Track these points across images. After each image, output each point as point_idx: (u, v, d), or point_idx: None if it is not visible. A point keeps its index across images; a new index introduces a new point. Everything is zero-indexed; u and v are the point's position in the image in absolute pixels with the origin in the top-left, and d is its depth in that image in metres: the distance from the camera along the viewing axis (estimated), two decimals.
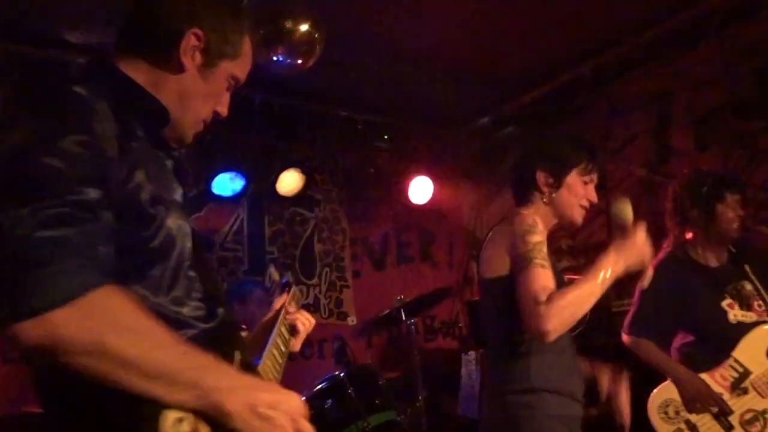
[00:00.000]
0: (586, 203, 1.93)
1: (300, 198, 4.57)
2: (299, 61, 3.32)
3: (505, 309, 1.79)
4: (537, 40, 3.93)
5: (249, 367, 1.21)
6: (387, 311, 3.37)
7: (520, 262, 1.74)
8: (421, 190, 4.86)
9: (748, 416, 2.35)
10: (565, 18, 3.77)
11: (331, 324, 4.55)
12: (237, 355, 1.15)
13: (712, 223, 2.54)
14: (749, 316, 2.45)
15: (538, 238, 1.77)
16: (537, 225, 1.80)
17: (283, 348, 1.57)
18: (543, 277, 1.70)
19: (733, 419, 2.37)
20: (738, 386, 2.38)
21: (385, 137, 4.73)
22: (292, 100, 4.41)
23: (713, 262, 2.59)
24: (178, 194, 1.19)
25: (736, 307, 2.46)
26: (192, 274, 1.13)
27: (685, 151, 4.34)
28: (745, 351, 2.39)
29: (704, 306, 2.48)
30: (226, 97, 1.30)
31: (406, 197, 4.88)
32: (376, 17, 3.61)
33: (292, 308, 1.73)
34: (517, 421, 1.76)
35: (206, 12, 1.19)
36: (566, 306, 1.65)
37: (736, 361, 2.39)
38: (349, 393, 2.95)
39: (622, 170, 4.51)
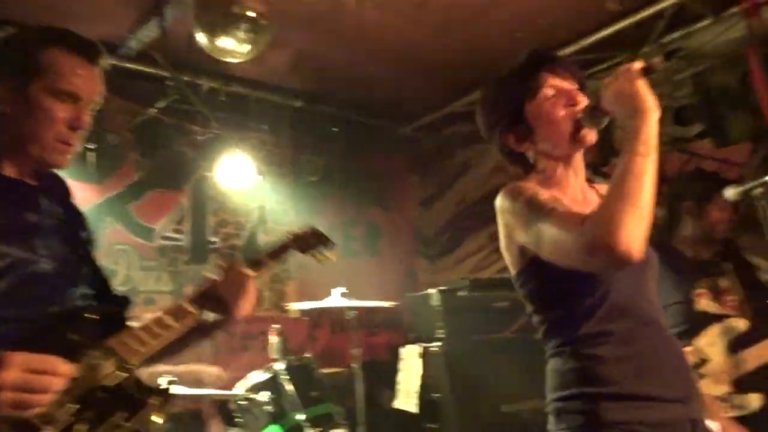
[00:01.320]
0: (573, 108, 1.47)
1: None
2: (247, 48, 3.25)
3: (533, 309, 1.52)
4: (489, 39, 3.96)
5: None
6: (328, 305, 3.35)
7: (526, 230, 1.40)
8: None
9: None
10: (515, 19, 3.82)
11: (273, 316, 4.51)
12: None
13: (700, 221, 2.60)
14: (716, 308, 2.52)
15: (528, 193, 1.43)
16: (518, 186, 1.47)
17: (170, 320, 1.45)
18: (564, 213, 1.34)
19: None
20: (696, 372, 2.45)
21: (334, 129, 4.69)
22: (240, 87, 4.34)
23: (696, 256, 2.66)
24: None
25: (707, 297, 2.53)
26: None
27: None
28: (707, 340, 2.46)
29: (672, 291, 2.54)
30: (72, 109, 1.40)
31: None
32: (337, 7, 3.58)
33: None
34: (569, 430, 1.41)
35: None
36: (621, 202, 1.23)
37: (697, 348, 2.46)
38: (285, 386, 2.92)
39: None
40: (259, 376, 3.02)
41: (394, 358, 4.12)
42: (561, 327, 1.46)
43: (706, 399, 1.70)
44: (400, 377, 3.85)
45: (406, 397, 3.73)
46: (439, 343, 3.68)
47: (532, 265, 1.45)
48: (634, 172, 1.25)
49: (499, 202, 1.49)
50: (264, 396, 2.92)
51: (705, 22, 3.85)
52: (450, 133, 5.32)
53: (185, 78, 4.02)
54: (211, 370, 3.15)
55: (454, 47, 4.13)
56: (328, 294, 3.53)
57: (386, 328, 5.16)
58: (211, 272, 1.60)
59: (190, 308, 1.47)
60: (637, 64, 1.33)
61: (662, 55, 1.37)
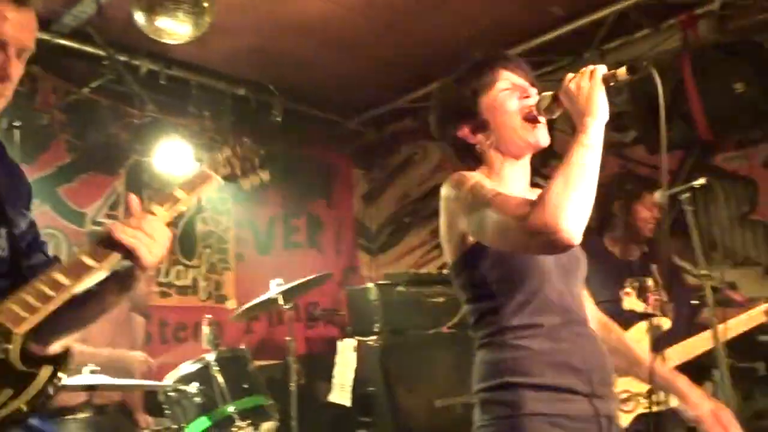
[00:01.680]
0: (527, 108, 1.50)
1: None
2: (188, 30, 3.16)
3: (467, 299, 1.52)
4: (436, 37, 3.98)
5: None
6: (264, 296, 3.30)
7: (470, 216, 1.41)
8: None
9: (623, 396, 2.51)
10: (463, 18, 3.86)
11: (209, 307, 4.43)
12: None
13: (629, 219, 2.67)
14: (641, 307, 2.60)
15: (473, 181, 1.44)
16: (464, 174, 1.48)
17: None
18: (508, 199, 1.36)
19: None
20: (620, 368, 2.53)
21: (278, 119, 4.63)
22: (181, 71, 4.23)
23: (626, 255, 2.73)
24: None
25: (633, 296, 2.61)
26: None
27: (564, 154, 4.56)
28: (633, 338, 2.53)
29: (600, 290, 2.60)
30: None
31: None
32: None
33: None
34: (492, 423, 1.43)
35: None
36: (565, 190, 1.26)
37: None
38: (216, 377, 2.87)
39: None
40: (189, 367, 2.94)
41: (332, 352, 4.10)
42: (492, 317, 1.47)
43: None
44: (336, 371, 3.84)
45: (341, 391, 3.72)
46: (375, 337, 3.68)
47: (470, 254, 1.48)
48: (580, 162, 1.30)
49: (444, 189, 1.50)
50: (193, 387, 2.85)
51: (643, 32, 3.99)
52: (395, 129, 5.34)
53: (122, 58, 3.89)
54: (137, 356, 3.05)
55: (401, 43, 4.14)
56: (266, 285, 3.48)
57: (326, 322, 5.14)
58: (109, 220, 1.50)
59: (88, 261, 1.24)
60: (603, 69, 1.39)
61: (627, 67, 1.38)
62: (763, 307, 2.44)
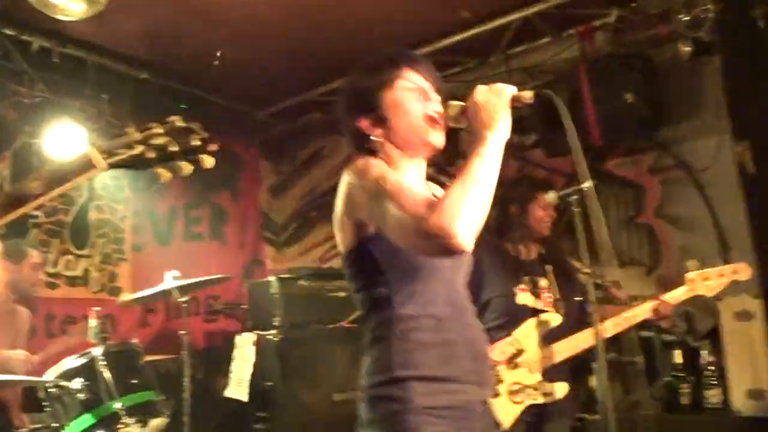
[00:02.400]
0: (431, 111, 1.54)
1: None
2: (82, 6, 2.99)
3: (360, 287, 1.52)
4: (348, 31, 3.97)
5: None
6: (156, 288, 3.18)
7: (371, 206, 1.42)
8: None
9: (514, 387, 2.59)
10: (375, 14, 3.86)
11: (101, 299, 4.21)
12: None
13: (524, 220, 2.76)
14: (534, 303, 2.69)
15: (379, 169, 1.45)
16: (370, 162, 1.49)
17: None
18: (412, 194, 1.38)
19: (502, 388, 2.60)
20: (512, 361, 2.61)
21: (182, 105, 4.47)
22: (77, 50, 4.00)
23: (523, 254, 2.81)
24: None
25: (527, 293, 2.70)
26: None
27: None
28: (525, 332, 2.63)
29: (496, 285, 2.67)
30: None
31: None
32: None
33: None
34: (379, 418, 1.44)
35: None
36: (463, 197, 1.31)
37: (516, 339, 2.62)
38: (102, 372, 2.73)
39: None
40: (73, 361, 2.79)
41: (233, 346, 4.02)
42: (383, 306, 1.49)
43: None
44: (234, 365, 3.76)
45: (238, 386, 3.65)
46: (275, 332, 3.64)
47: (368, 242, 1.48)
48: (477, 173, 1.36)
49: (348, 176, 1.50)
50: (77, 383, 2.71)
51: (546, 40, 4.15)
52: (305, 121, 5.28)
53: (10, 33, 3.63)
54: (17, 354, 2.87)
55: (312, 36, 4.10)
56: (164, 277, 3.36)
57: (226, 316, 5.02)
58: None
59: None
60: (512, 90, 1.47)
61: (533, 92, 1.45)
62: (647, 304, 2.59)
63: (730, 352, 3.09)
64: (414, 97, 1.56)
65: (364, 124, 1.58)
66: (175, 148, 1.36)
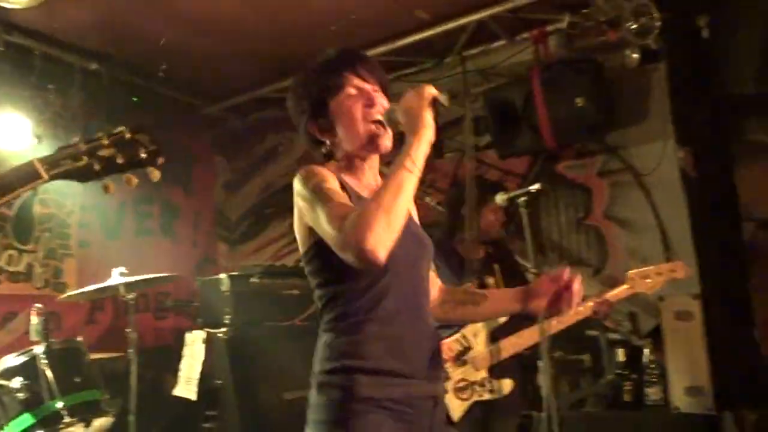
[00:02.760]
0: (373, 115, 1.57)
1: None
2: None
3: (317, 283, 1.57)
4: (305, 28, 3.95)
5: None
6: (100, 284, 3.11)
7: (310, 215, 1.48)
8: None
9: (461, 384, 2.65)
10: (332, 11, 3.86)
11: (45, 296, 4.09)
12: None
13: (475, 222, 2.80)
14: None
15: (316, 179, 1.50)
16: (312, 170, 1.52)
17: None
18: (335, 207, 1.42)
19: (449, 384, 2.64)
20: (459, 358, 2.66)
21: (134, 98, 4.38)
22: (23, 38, 3.88)
23: (470, 255, 2.84)
24: None
25: None
26: None
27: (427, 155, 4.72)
28: (472, 330, 2.67)
29: (447, 284, 2.70)
30: None
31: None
32: None
33: None
34: (324, 404, 1.47)
35: None
36: (377, 210, 1.35)
37: (464, 336, 2.68)
38: (43, 370, 2.66)
39: None
40: (12, 360, 2.71)
41: (182, 344, 3.96)
42: (337, 302, 1.53)
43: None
44: (183, 364, 3.71)
45: (187, 384, 3.60)
46: (225, 329, 3.60)
47: (318, 244, 1.52)
48: (395, 184, 1.39)
49: (295, 183, 1.55)
50: (16, 382, 2.63)
51: (501, 42, 4.21)
52: (260, 118, 5.23)
53: None
54: None
55: (268, 32, 4.07)
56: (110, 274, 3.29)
57: (177, 313, 4.94)
58: None
59: None
60: (430, 90, 1.47)
61: (448, 96, 1.46)
62: (590, 303, 2.65)
63: (670, 350, 3.18)
64: (358, 103, 1.58)
65: (313, 129, 1.62)
66: (121, 161, 1.37)
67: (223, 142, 5.58)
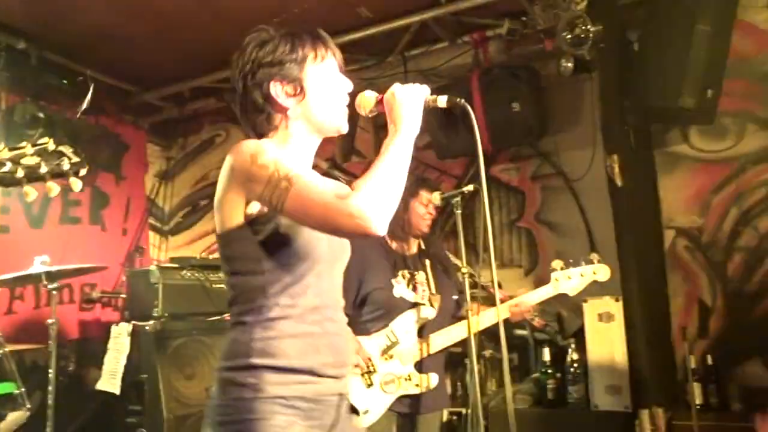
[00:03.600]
0: (344, 97, 1.58)
1: None
2: None
3: (234, 270, 1.50)
4: (246, 19, 3.85)
5: None
6: (20, 274, 2.99)
7: (273, 189, 1.37)
8: None
9: (387, 378, 2.67)
10: (273, 6, 3.80)
11: None
12: None
13: (406, 216, 2.80)
14: (412, 296, 2.75)
15: (271, 155, 1.41)
16: (262, 144, 1.45)
17: None
18: (317, 180, 1.39)
19: (375, 378, 2.66)
20: (387, 352, 2.68)
21: (64, 81, 4.21)
22: None
23: (403, 249, 2.85)
24: None
25: (404, 285, 2.74)
26: None
27: (365, 153, 4.75)
28: (401, 324, 2.69)
29: (376, 278, 2.71)
30: None
31: None
32: None
33: None
34: (229, 404, 1.42)
35: None
36: (379, 180, 1.36)
37: (392, 331, 2.69)
38: None
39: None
40: None
41: (108, 337, 3.84)
42: (255, 295, 1.47)
43: None
44: (107, 357, 3.60)
45: (110, 378, 3.50)
46: (153, 322, 3.51)
47: (250, 225, 1.45)
48: (389, 163, 1.42)
49: (235, 156, 1.45)
50: None
51: (442, 45, 4.26)
52: (198, 107, 5.13)
53: None
54: None
55: (208, 22, 3.98)
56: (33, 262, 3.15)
57: (104, 305, 4.79)
58: None
59: None
60: (428, 91, 1.58)
61: (447, 99, 1.59)
62: (506, 304, 2.72)
63: (592, 350, 3.30)
64: (336, 81, 1.58)
65: (277, 89, 1.53)
66: (44, 170, 1.40)
67: (158, 130, 5.44)
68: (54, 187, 1.40)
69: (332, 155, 4.64)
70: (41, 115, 4.09)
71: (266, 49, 1.54)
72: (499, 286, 3.68)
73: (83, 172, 1.46)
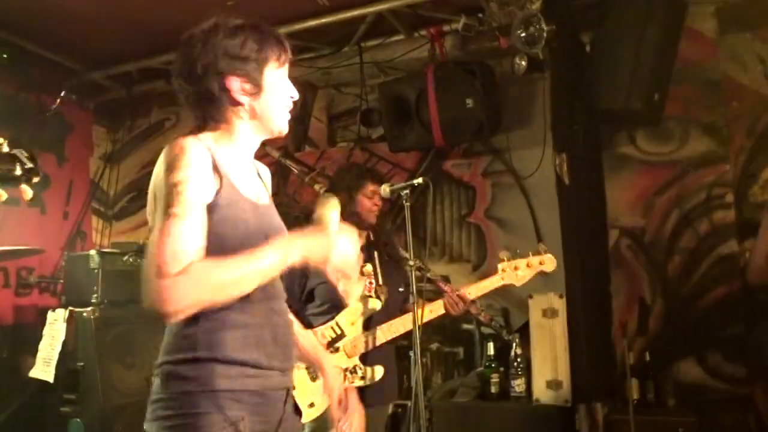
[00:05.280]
0: (290, 102, 1.62)
1: None
2: None
3: None
4: (202, 4, 3.75)
5: None
6: None
7: (161, 212, 1.36)
8: None
9: None
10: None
11: None
12: None
13: (352, 209, 2.78)
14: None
15: (183, 174, 1.38)
16: (186, 153, 1.40)
17: None
18: (179, 236, 1.31)
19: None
20: (333, 345, 2.65)
21: (3, 55, 4.03)
22: None
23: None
24: None
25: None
26: None
27: (318, 143, 4.71)
28: (347, 317, 2.67)
29: (320, 273, 2.67)
30: None
31: None
32: None
33: None
34: (172, 397, 1.39)
35: None
36: (204, 285, 1.31)
37: (337, 324, 2.67)
38: None
39: (261, 150, 4.66)
40: None
41: (45, 323, 3.70)
42: None
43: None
44: (42, 344, 3.47)
45: (44, 366, 3.38)
46: (91, 309, 3.40)
47: None
48: (253, 273, 1.39)
49: (164, 156, 1.43)
50: None
51: (399, 37, 4.24)
52: (147, 90, 4.98)
53: None
54: None
55: (159, 1, 3.85)
56: None
57: (41, 290, 4.62)
58: None
59: None
60: (336, 260, 1.54)
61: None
62: (440, 301, 2.74)
63: (535, 345, 3.36)
64: (287, 85, 1.61)
65: (237, 84, 1.51)
66: None
67: (104, 112, 5.27)
68: (2, 194, 1.34)
69: (285, 144, 4.58)
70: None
71: (235, 40, 1.52)
72: (448, 280, 3.72)
73: (36, 179, 1.40)
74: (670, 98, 3.45)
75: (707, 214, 3.63)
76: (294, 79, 1.65)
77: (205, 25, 1.54)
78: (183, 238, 1.32)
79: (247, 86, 1.52)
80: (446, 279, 3.89)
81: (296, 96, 1.64)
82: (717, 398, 3.47)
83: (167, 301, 1.26)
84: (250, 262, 1.38)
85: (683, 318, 3.64)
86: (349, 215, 2.80)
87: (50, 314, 3.51)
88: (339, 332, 2.68)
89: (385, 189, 2.76)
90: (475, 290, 2.74)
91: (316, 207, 1.62)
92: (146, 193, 1.51)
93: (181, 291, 1.27)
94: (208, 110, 1.54)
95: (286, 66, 1.62)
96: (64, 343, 3.39)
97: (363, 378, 2.67)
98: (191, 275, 1.28)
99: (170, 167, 1.39)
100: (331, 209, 1.60)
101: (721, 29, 3.64)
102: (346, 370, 2.65)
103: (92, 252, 3.58)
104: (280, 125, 1.60)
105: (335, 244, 1.53)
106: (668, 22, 3.26)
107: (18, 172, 1.34)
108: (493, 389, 3.43)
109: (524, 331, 3.54)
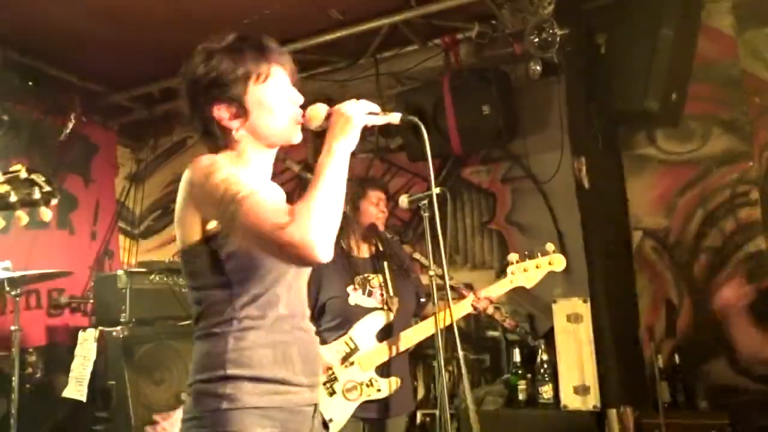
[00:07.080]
0: (293, 105, 1.55)
1: None
2: None
3: (199, 285, 1.49)
4: (218, 20, 3.85)
5: None
6: None
7: (224, 210, 1.36)
8: None
9: (349, 385, 2.66)
10: (245, 5, 3.79)
11: None
12: None
13: (357, 218, 2.79)
14: (368, 302, 2.73)
15: (224, 172, 1.40)
16: (217, 161, 1.43)
17: None
18: (266, 202, 1.35)
19: (337, 386, 2.65)
20: (347, 359, 2.67)
21: (30, 82, 4.14)
22: None
23: (357, 253, 2.83)
24: None
25: (359, 292, 2.73)
26: None
27: None
28: (359, 331, 2.68)
29: (331, 286, 2.69)
30: None
31: None
32: None
33: None
34: (205, 415, 1.41)
35: None
36: (315, 210, 1.32)
37: (350, 338, 2.68)
38: None
39: (281, 164, 4.71)
40: None
41: (76, 343, 3.78)
42: (223, 307, 1.47)
43: None
44: (74, 363, 3.54)
45: (77, 385, 3.44)
46: (120, 327, 3.47)
47: (212, 241, 1.45)
48: (327, 183, 1.37)
49: (190, 174, 1.44)
50: None
51: (413, 47, 4.27)
52: (169, 109, 5.07)
53: None
54: None
55: (180, 22, 3.92)
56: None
57: (73, 310, 4.71)
58: None
59: None
60: (370, 107, 1.52)
61: (401, 117, 1.59)
62: (469, 299, 2.73)
63: (561, 351, 3.33)
64: (283, 96, 1.54)
65: (219, 113, 1.51)
66: (14, 199, 1.37)
67: (128, 132, 5.37)
68: (23, 217, 1.38)
69: (305, 157, 4.62)
70: (5, 117, 4.01)
71: (209, 65, 1.51)
72: (471, 287, 3.73)
73: (54, 201, 1.44)
74: (690, 97, 3.41)
75: (732, 213, 3.58)
76: (313, 94, 1.63)
77: (191, 58, 1.56)
78: (270, 199, 1.37)
79: (234, 110, 1.51)
80: (469, 286, 3.90)
81: (300, 101, 1.57)
82: (749, 399, 3.40)
83: (302, 243, 1.29)
84: (325, 168, 1.39)
85: (712, 318, 3.58)
86: (354, 226, 2.81)
87: (81, 334, 3.59)
88: (353, 346, 2.69)
89: (403, 200, 2.78)
90: (485, 294, 2.74)
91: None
92: (172, 211, 1.53)
93: (305, 227, 1.30)
94: (213, 139, 1.55)
95: (281, 72, 1.56)
96: (95, 362, 3.45)
97: (380, 390, 2.68)
98: (299, 212, 1.32)
99: (208, 174, 1.41)
100: (315, 111, 1.51)
101: (739, 25, 3.60)
102: (362, 383, 2.66)
103: (120, 272, 3.65)
104: (286, 136, 1.55)
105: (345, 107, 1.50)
106: (684, 20, 3.23)
107: (37, 195, 1.39)
108: (521, 396, 3.41)
109: (550, 337, 3.51)
